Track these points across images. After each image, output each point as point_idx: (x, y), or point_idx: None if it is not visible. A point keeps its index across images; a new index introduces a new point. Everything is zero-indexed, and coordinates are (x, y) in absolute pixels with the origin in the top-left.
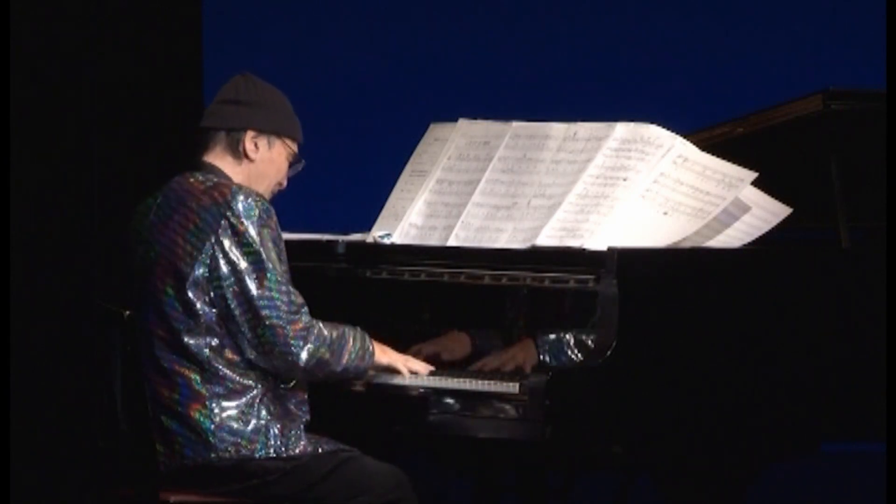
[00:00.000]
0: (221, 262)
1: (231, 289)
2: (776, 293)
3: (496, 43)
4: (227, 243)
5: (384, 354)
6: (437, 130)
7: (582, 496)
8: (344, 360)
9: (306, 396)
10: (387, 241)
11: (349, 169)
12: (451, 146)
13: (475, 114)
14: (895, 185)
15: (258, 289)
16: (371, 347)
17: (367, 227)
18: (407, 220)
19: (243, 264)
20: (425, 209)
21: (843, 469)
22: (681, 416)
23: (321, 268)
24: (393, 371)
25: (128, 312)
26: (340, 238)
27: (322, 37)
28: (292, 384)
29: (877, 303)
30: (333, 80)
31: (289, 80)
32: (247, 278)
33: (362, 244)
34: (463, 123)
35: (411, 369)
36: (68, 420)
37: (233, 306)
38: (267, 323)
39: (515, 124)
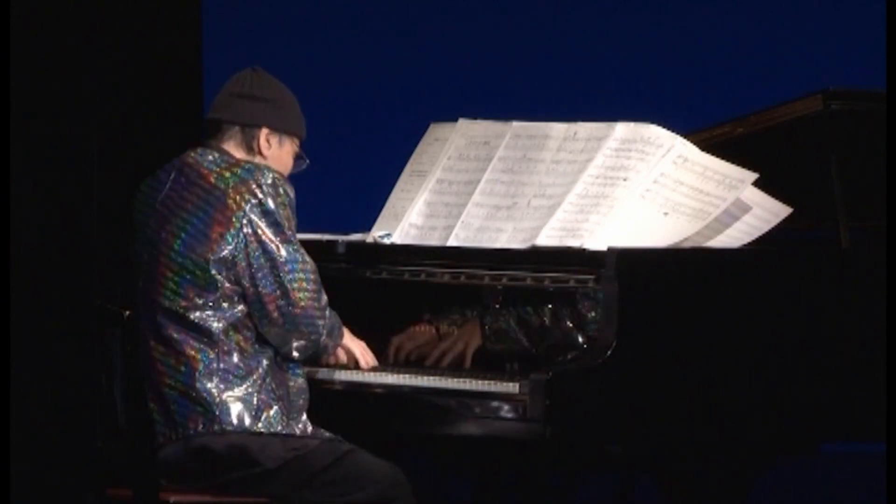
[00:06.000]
0: (251, 238)
1: (260, 265)
2: (776, 293)
3: (496, 43)
4: (256, 220)
5: (349, 339)
6: (437, 130)
7: (582, 496)
8: (333, 342)
9: (305, 384)
10: (387, 241)
11: (349, 169)
12: (451, 146)
13: (475, 114)
14: (895, 185)
15: (287, 265)
16: (341, 325)
17: (367, 227)
18: (407, 220)
19: (273, 241)
20: (425, 209)
21: (843, 469)
22: (681, 416)
23: (321, 268)
24: (349, 353)
25: (128, 312)
26: (340, 238)
27: (322, 37)
28: (292, 371)
29: (877, 303)
30: (333, 80)
31: (289, 79)
32: (276, 256)
33: (362, 244)
34: (463, 123)
35: (367, 360)
36: (68, 420)
37: (260, 283)
38: (294, 299)
39: (515, 124)
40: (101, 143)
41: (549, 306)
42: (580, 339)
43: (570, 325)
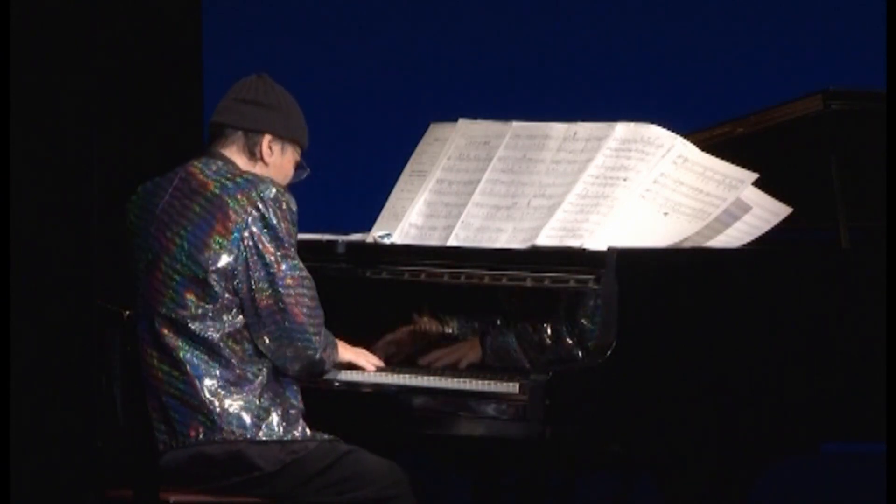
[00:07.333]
0: (251, 251)
1: (259, 279)
2: (776, 293)
3: (496, 43)
4: (257, 232)
5: (345, 350)
6: (437, 130)
7: (582, 496)
8: (329, 359)
9: (298, 388)
10: (387, 241)
11: (349, 169)
12: (451, 146)
13: (475, 114)
14: (895, 185)
15: (286, 279)
16: (335, 342)
17: (367, 227)
18: (407, 220)
19: (273, 255)
20: (425, 209)
21: (843, 469)
22: (681, 416)
23: (321, 268)
24: (354, 367)
25: (128, 312)
26: (340, 238)
27: (322, 36)
28: (287, 385)
29: (877, 303)
30: (333, 80)
31: (289, 79)
32: (275, 270)
33: (362, 244)
34: (463, 123)
35: (371, 363)
36: (68, 420)
37: (258, 296)
38: (292, 314)
39: (515, 124)
40: (101, 143)
41: (547, 323)
42: (580, 355)
43: (570, 342)
